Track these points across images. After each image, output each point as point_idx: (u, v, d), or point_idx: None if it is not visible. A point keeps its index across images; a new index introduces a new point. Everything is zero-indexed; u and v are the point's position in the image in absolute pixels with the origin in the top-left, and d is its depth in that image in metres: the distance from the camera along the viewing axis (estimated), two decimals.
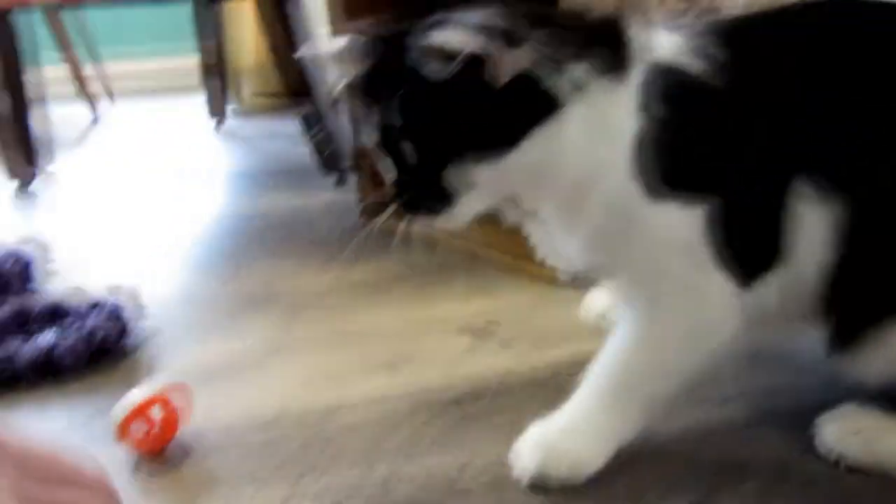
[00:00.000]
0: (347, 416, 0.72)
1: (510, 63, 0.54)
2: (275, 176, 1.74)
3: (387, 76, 0.58)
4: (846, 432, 0.62)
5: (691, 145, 0.57)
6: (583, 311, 0.89)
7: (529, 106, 0.55)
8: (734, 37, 0.59)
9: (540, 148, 0.56)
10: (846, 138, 0.57)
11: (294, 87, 1.65)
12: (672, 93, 0.56)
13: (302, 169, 1.67)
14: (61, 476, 0.34)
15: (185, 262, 1.19)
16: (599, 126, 0.56)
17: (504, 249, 1.11)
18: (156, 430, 0.65)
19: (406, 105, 0.57)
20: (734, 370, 0.69)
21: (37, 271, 1.03)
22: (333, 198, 1.48)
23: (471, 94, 0.55)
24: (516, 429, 0.69)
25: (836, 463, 0.61)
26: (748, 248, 0.58)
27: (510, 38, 0.54)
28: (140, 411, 0.64)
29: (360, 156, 1.31)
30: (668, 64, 0.57)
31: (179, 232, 1.33)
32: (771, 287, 0.59)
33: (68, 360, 0.80)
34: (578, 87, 0.55)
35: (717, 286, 0.58)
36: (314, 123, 1.59)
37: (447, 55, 0.53)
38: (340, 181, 1.55)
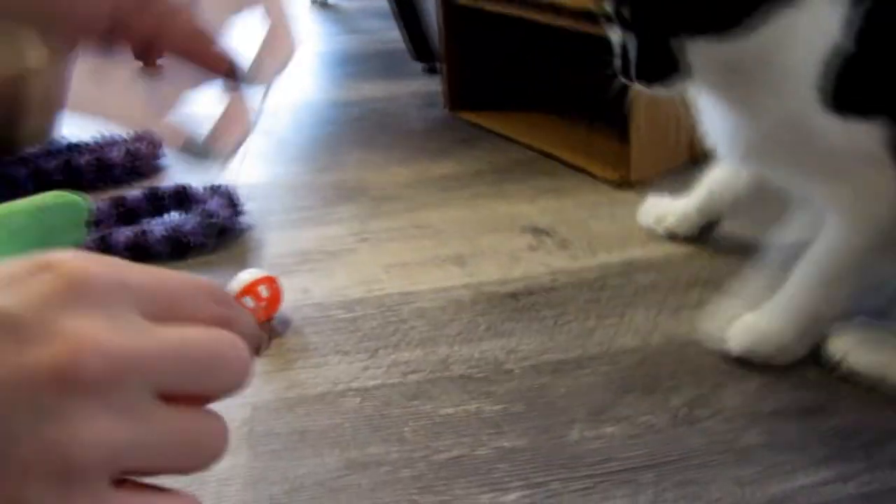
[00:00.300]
0: (418, 302, 0.85)
1: None
2: (369, 60, 1.82)
3: None
4: (851, 342, 0.70)
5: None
6: (640, 217, 0.97)
7: None
8: None
9: (776, 31, 0.58)
10: None
11: None
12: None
13: (396, 53, 1.75)
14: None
15: (283, 150, 1.32)
16: (821, 20, 0.58)
17: (575, 150, 1.19)
18: (263, 304, 0.80)
19: None
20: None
21: (162, 154, 1.20)
22: (424, 87, 1.56)
23: None
24: (559, 322, 0.81)
25: (832, 369, 0.70)
26: None
27: None
28: (250, 289, 0.79)
29: (448, 45, 1.38)
30: None
31: (276, 118, 1.45)
32: None
33: (193, 239, 0.96)
34: None
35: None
36: (405, 7, 1.64)
37: None
38: (431, 69, 1.62)
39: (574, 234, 0.98)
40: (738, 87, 0.64)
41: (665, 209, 0.95)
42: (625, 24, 0.63)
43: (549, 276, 0.89)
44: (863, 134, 0.60)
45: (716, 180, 0.90)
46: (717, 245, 0.93)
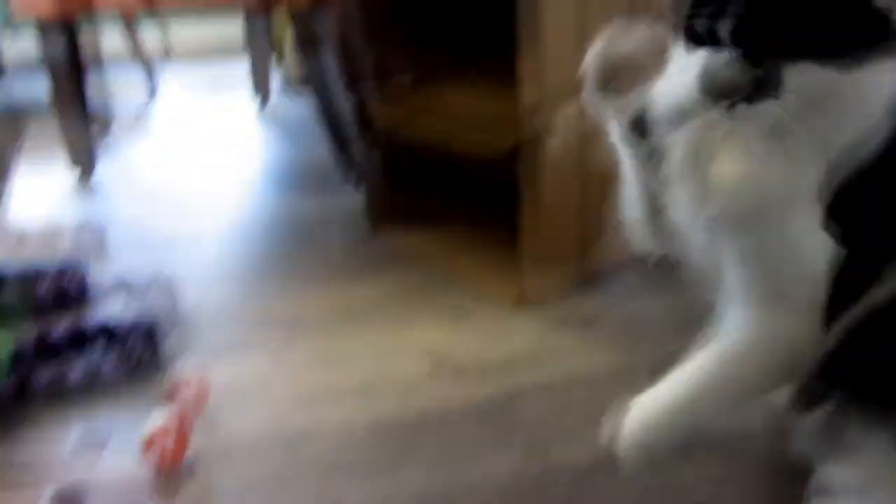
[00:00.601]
0: (315, 439, 0.91)
1: None
2: (307, 172, 1.92)
3: None
4: None
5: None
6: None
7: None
8: None
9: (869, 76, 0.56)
10: None
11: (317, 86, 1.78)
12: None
13: (329, 168, 1.84)
14: None
15: (210, 273, 1.39)
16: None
17: (483, 270, 1.28)
18: (168, 451, 0.85)
19: None
20: None
21: (90, 286, 1.26)
22: (353, 202, 1.62)
23: None
24: (450, 452, 0.87)
25: None
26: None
27: None
28: (155, 439, 0.85)
29: (366, 168, 1.48)
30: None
31: (200, 247, 1.50)
32: None
33: (111, 378, 1.02)
34: None
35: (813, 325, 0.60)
36: (334, 128, 1.74)
37: None
38: (359, 186, 1.71)
39: (474, 359, 1.05)
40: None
41: None
42: (716, 43, 0.58)
43: (441, 406, 0.96)
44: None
45: None
46: (608, 367, 1.01)
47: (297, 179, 1.87)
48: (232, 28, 2.85)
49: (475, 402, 0.96)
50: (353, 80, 1.48)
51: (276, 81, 2.66)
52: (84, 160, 1.82)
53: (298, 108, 2.48)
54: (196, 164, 2.02)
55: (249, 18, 2.41)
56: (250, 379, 1.04)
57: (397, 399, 0.98)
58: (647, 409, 0.71)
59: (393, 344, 1.10)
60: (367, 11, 1.38)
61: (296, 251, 1.45)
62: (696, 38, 0.60)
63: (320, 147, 1.93)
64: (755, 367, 0.65)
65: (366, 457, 0.87)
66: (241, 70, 2.60)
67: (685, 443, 0.73)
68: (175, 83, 2.91)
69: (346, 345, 1.11)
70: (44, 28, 1.69)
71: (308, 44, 1.72)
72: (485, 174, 1.34)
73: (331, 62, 1.68)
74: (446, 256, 1.34)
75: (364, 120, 1.43)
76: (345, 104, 1.65)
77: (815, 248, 0.59)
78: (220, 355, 1.10)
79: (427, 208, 1.49)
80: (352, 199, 1.65)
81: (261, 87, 2.50)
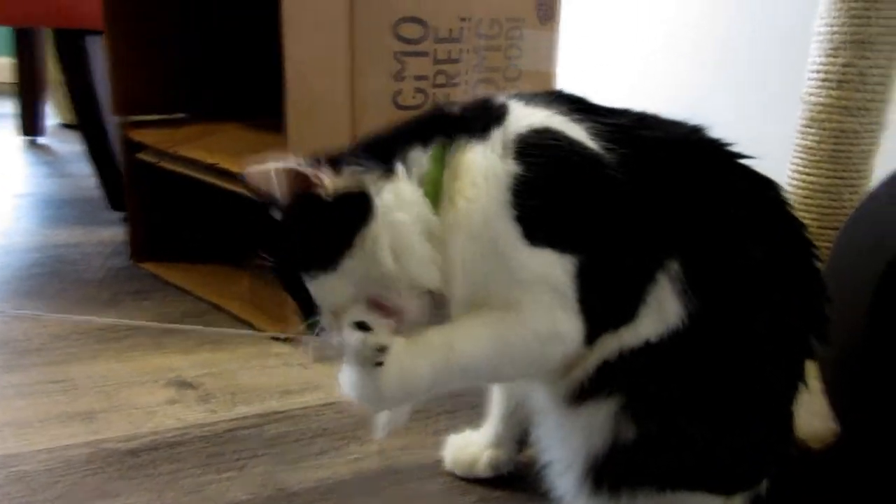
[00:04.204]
0: (22, 465, 0.80)
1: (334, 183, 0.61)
2: (70, 204, 1.78)
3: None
4: None
5: (571, 202, 0.60)
6: (449, 466, 0.84)
7: (357, 212, 0.61)
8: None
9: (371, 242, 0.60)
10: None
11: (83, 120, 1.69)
12: (556, 152, 0.60)
13: (100, 199, 1.72)
14: None
15: None
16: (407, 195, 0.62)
17: (245, 302, 1.23)
18: None
19: (271, 240, 0.65)
20: None
21: None
22: (116, 235, 1.53)
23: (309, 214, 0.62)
24: (176, 478, 0.81)
25: None
26: (604, 306, 0.60)
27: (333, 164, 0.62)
28: None
29: (132, 196, 1.40)
30: (551, 127, 0.62)
31: None
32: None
33: None
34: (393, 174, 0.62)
35: (573, 323, 0.59)
36: (100, 157, 1.64)
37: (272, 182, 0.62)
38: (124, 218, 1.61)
39: (219, 386, 1.00)
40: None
41: (472, 453, 0.83)
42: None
43: (179, 430, 0.89)
44: (557, 264, 0.59)
45: (500, 397, 0.81)
46: None
47: (60, 212, 1.72)
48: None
49: (218, 429, 0.90)
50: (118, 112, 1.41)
51: (49, 118, 2.48)
52: None
53: (71, 144, 2.32)
54: None
55: (21, 55, 2.24)
56: None
57: (129, 426, 0.89)
58: (410, 358, 0.61)
59: (135, 373, 1.02)
60: (119, 43, 1.34)
61: (42, 280, 1.31)
62: None
63: (89, 181, 1.80)
64: (522, 351, 0.61)
65: (79, 482, 0.78)
66: (9, 108, 2.40)
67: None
68: None
69: (79, 371, 1.01)
70: None
71: (75, 74, 1.63)
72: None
73: (100, 95, 1.60)
74: (212, 288, 1.28)
75: (128, 152, 1.36)
76: (114, 137, 1.57)
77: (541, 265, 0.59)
78: None
79: (200, 242, 1.43)
80: (120, 232, 1.55)
81: (30, 123, 2.32)
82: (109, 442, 0.86)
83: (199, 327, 1.14)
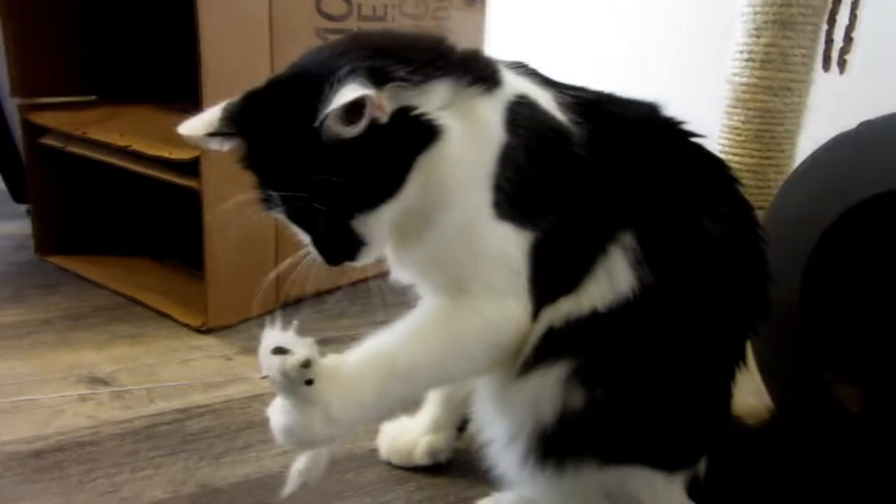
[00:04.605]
0: None
1: (388, 102, 0.53)
2: None
3: (281, 148, 0.55)
4: None
5: (541, 177, 0.58)
6: (386, 455, 0.80)
7: (413, 138, 0.55)
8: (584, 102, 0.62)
9: (428, 174, 0.55)
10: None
11: None
12: (536, 126, 0.58)
13: (1, 194, 1.61)
14: None
15: None
16: (476, 135, 0.57)
17: (162, 295, 1.16)
18: None
19: (313, 171, 0.53)
20: None
21: None
22: (21, 229, 1.43)
23: (374, 146, 0.53)
24: (86, 479, 0.74)
25: None
26: (553, 282, 0.59)
27: (379, 77, 0.53)
28: None
29: (36, 186, 1.30)
30: (532, 98, 0.60)
31: None
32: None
33: None
34: (448, 104, 0.56)
35: (522, 305, 0.58)
36: (5, 147, 1.53)
37: (352, 113, 0.52)
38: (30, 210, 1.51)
39: (136, 381, 0.93)
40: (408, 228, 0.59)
41: (408, 440, 0.80)
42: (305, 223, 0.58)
43: (90, 429, 0.83)
44: (515, 240, 0.58)
45: None
46: None
47: None
48: None
49: (134, 426, 0.84)
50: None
51: None
52: None
53: None
54: None
55: None
56: None
57: (33, 426, 0.82)
58: (350, 371, 0.57)
59: (41, 370, 0.94)
60: (17, 18, 1.23)
61: None
62: None
63: None
64: (475, 343, 0.59)
65: None
66: None
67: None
68: None
69: None
70: None
71: None
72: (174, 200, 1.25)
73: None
74: (128, 281, 1.20)
75: (30, 137, 1.26)
76: (14, 121, 1.46)
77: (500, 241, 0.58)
78: None
79: (112, 233, 1.35)
80: (26, 225, 1.45)
81: None
82: (10, 445, 0.79)
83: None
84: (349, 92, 0.50)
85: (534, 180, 0.58)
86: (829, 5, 1.03)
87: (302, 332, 0.54)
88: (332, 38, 1.14)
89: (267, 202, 0.57)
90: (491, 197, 0.57)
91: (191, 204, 1.06)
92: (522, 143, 0.58)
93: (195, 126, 0.59)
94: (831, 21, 1.04)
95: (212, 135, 0.58)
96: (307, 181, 0.53)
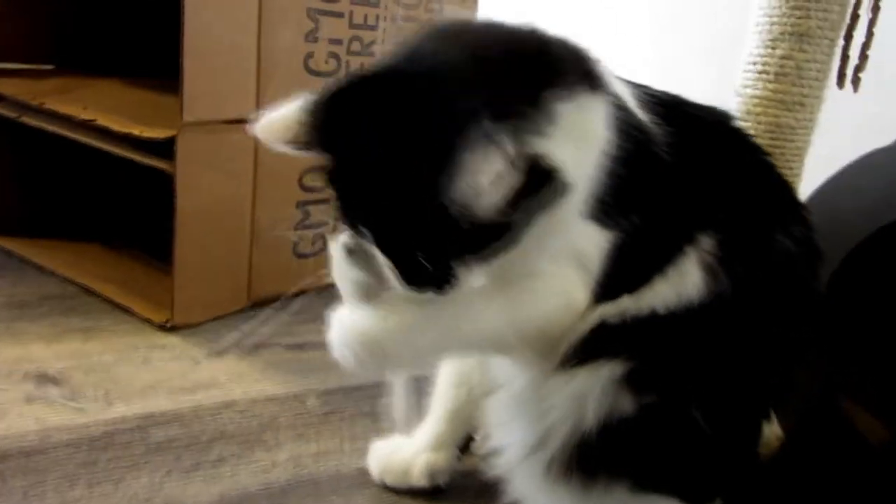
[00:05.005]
0: None
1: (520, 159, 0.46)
2: None
3: (386, 191, 0.48)
4: None
5: (628, 178, 0.54)
6: (378, 476, 0.73)
7: (540, 195, 0.48)
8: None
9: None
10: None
11: None
12: (626, 127, 0.54)
13: None
14: None
15: None
16: (583, 150, 0.52)
17: (121, 286, 1.06)
18: None
19: (424, 231, 0.48)
20: None
21: None
22: None
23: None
24: (31, 493, 0.65)
25: None
26: (621, 280, 0.54)
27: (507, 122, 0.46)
28: None
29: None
30: (622, 98, 0.56)
31: None
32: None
33: None
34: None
35: (583, 297, 0.54)
36: None
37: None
38: None
39: (91, 382, 0.83)
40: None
41: (404, 458, 0.72)
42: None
43: (38, 434, 0.73)
44: (598, 240, 0.54)
45: (449, 389, 0.71)
46: (261, 393, 0.86)
47: None
48: None
49: (90, 433, 0.74)
50: None
51: None
52: None
53: None
54: None
55: None
56: None
57: None
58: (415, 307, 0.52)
59: None
60: None
61: None
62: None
63: None
64: (535, 320, 0.54)
65: None
66: None
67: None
68: None
69: None
70: None
71: None
72: (144, 185, 1.15)
73: None
74: (81, 269, 1.09)
75: None
76: None
77: None
78: None
79: (70, 216, 1.23)
80: None
81: None
82: None
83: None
84: (492, 164, 0.44)
85: (622, 181, 0.54)
86: (847, 20, 1.00)
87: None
88: (324, 19, 1.07)
89: (353, 227, 0.51)
90: (583, 196, 0.52)
91: (159, 187, 0.97)
92: (616, 144, 0.53)
93: (271, 129, 0.50)
94: (848, 36, 1.01)
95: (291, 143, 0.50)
96: (414, 236, 0.48)
